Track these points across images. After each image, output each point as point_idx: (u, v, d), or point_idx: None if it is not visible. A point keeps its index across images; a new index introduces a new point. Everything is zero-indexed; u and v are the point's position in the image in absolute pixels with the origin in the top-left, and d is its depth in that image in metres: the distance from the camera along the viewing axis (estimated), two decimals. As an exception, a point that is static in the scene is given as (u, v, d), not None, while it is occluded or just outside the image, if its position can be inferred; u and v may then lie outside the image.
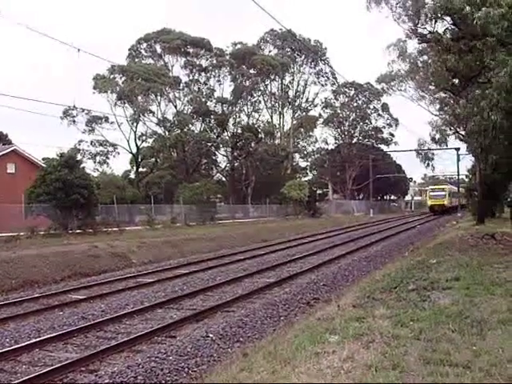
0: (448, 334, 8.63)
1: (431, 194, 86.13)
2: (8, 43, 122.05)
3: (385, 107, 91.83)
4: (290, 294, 17.57)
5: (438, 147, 48.20)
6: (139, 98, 59.86)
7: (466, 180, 71.56)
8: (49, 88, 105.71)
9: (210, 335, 12.47)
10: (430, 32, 24.25)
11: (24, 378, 9.92)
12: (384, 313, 10.33)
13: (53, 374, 10.20)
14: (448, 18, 22.66)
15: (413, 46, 29.73)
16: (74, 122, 56.71)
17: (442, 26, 23.83)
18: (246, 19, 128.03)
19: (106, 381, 9.63)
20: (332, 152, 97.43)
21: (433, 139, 45.04)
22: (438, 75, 26.66)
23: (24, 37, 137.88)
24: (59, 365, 10.64)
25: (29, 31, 72.52)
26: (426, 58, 30.87)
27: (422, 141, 49.93)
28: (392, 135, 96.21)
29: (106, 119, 58.97)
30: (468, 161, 78.44)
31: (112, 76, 59.65)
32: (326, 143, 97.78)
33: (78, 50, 22.79)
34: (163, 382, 9.95)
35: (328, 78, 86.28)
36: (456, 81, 25.93)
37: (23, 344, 12.19)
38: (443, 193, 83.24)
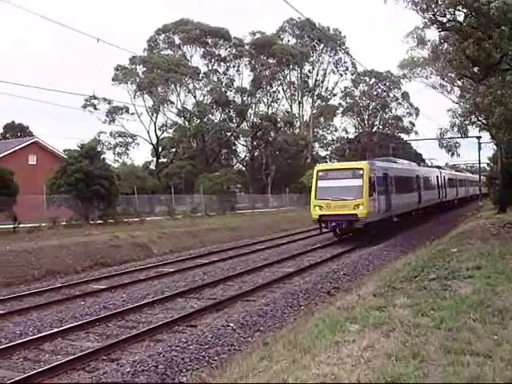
0: (469, 323, 8.57)
1: (321, 184, 30.43)
2: (26, 34, 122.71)
3: (405, 96, 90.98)
4: (310, 284, 17.57)
5: (459, 136, 47.65)
6: (159, 88, 60.01)
7: (488, 168, 70.17)
8: (68, 80, 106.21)
9: (231, 324, 12.52)
10: (449, 20, 24.01)
11: (47, 367, 10.04)
12: (404, 302, 10.28)
13: (75, 362, 10.32)
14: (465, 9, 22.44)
15: (432, 34, 29.51)
16: (95, 109, 56.90)
17: (462, 13, 23.58)
18: (264, 9, 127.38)
19: (128, 369, 9.71)
20: (352, 141, 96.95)
21: (452, 127, 44.75)
22: (457, 63, 26.40)
23: (42, 28, 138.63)
24: (81, 353, 10.76)
25: (46, 22, 72.62)
26: (446, 46, 30.55)
27: (444, 129, 49.40)
28: (412, 124, 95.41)
29: (127, 110, 59.20)
30: (489, 149, 76.73)
31: (133, 67, 59.88)
32: (346, 132, 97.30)
33: (98, 39, 22.79)
34: (184, 370, 10.00)
35: (347, 67, 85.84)
36: (476, 69, 25.66)
37: (46, 333, 12.32)
38: (356, 183, 29.48)
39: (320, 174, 30.64)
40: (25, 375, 9.65)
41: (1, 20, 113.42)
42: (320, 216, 29.47)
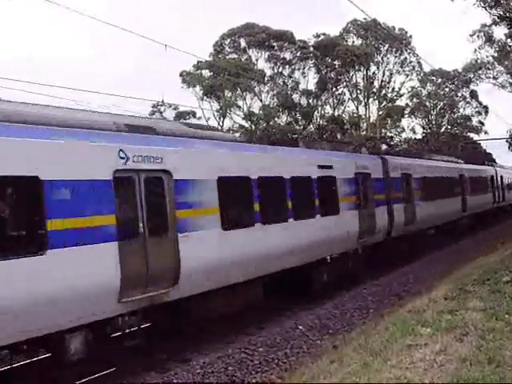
0: (547, 328, 8.33)
1: None
2: (90, 41, 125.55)
3: (473, 94, 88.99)
4: (379, 286, 17.37)
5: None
6: (226, 92, 60.71)
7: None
8: (134, 85, 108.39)
9: (300, 327, 12.50)
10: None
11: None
12: (477, 305, 10.04)
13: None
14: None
15: (500, 31, 28.89)
16: (162, 116, 57.78)
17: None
18: (327, 10, 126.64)
19: (198, 371, 9.81)
20: (420, 141, 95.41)
21: None
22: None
23: (108, 34, 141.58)
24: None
25: (113, 29, 74.00)
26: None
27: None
28: (481, 123, 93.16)
29: (194, 114, 60.01)
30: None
31: (198, 72, 60.75)
32: (414, 132, 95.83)
33: (165, 45, 23.05)
34: (253, 372, 10.03)
35: (413, 67, 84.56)
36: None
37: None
38: None
39: None
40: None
41: (70, 27, 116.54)
42: None
